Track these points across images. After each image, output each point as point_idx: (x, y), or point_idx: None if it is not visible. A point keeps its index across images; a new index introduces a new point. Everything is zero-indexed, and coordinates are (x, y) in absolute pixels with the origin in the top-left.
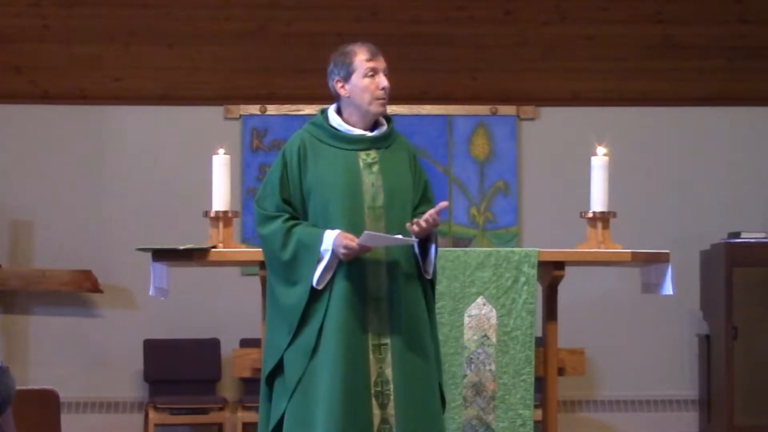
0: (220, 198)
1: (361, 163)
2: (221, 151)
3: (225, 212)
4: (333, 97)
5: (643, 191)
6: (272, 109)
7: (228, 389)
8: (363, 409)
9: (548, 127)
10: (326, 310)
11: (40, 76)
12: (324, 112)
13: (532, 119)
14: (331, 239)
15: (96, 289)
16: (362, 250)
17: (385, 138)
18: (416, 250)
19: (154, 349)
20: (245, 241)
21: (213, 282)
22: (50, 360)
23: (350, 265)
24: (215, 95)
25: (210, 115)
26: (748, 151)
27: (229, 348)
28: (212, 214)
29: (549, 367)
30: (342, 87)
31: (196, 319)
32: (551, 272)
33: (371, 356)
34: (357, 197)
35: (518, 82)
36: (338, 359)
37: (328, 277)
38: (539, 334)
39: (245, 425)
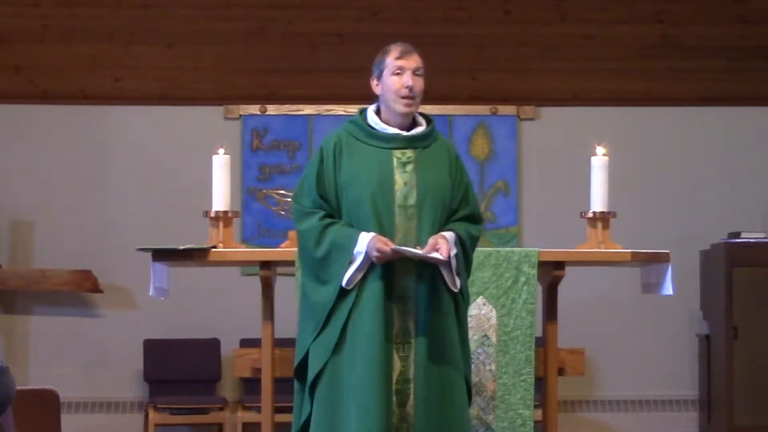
0: (220, 198)
1: (394, 162)
2: (221, 151)
3: (225, 212)
4: (331, 97)
5: (643, 191)
6: (272, 109)
7: (228, 389)
8: (384, 408)
9: (548, 127)
10: (352, 308)
11: (40, 76)
12: (363, 111)
13: (532, 119)
14: (365, 242)
15: (96, 289)
16: (395, 255)
17: (423, 137)
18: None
19: (154, 349)
20: (245, 241)
21: (213, 282)
22: (50, 360)
23: (381, 263)
24: (215, 95)
25: (210, 115)
26: (748, 151)
27: (229, 348)
28: (212, 214)
29: (549, 367)
30: (377, 85)
31: (196, 319)
32: (551, 272)
33: (395, 354)
34: (388, 195)
35: (518, 82)
36: (365, 357)
37: (359, 278)
38: (539, 334)
39: (245, 425)
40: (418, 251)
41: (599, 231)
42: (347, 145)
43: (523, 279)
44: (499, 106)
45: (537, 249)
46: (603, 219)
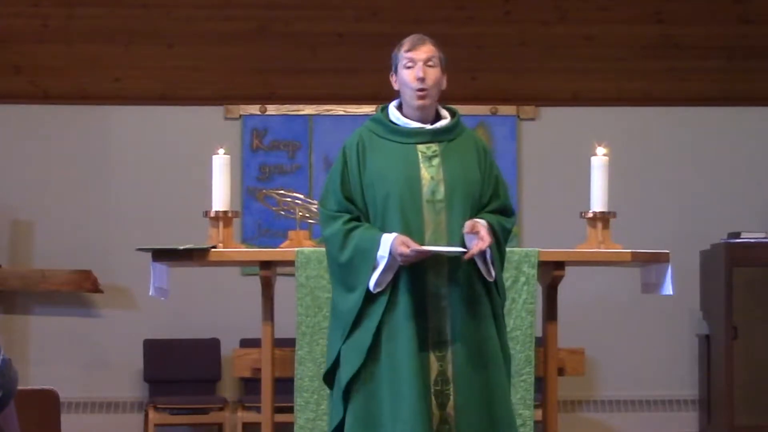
0: (220, 198)
1: (420, 156)
2: (221, 151)
3: (225, 212)
4: (331, 97)
5: (643, 191)
6: (272, 109)
7: (228, 389)
8: (425, 409)
9: (548, 127)
10: (385, 311)
11: (40, 76)
12: (384, 108)
13: (532, 119)
14: (388, 244)
15: (96, 289)
16: (419, 256)
17: (448, 130)
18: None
19: (154, 349)
20: (245, 241)
21: (213, 282)
22: (50, 360)
23: (412, 263)
24: (215, 95)
25: (210, 115)
26: (748, 151)
27: (229, 348)
28: (212, 214)
29: (549, 367)
30: (395, 81)
31: (196, 319)
32: (551, 272)
33: (431, 355)
34: (415, 190)
35: (518, 82)
36: (402, 358)
37: (389, 278)
38: (539, 334)
39: (245, 425)
40: (440, 248)
41: (599, 231)
42: (370, 143)
43: (523, 279)
44: (499, 106)
45: (537, 249)
46: (603, 219)
